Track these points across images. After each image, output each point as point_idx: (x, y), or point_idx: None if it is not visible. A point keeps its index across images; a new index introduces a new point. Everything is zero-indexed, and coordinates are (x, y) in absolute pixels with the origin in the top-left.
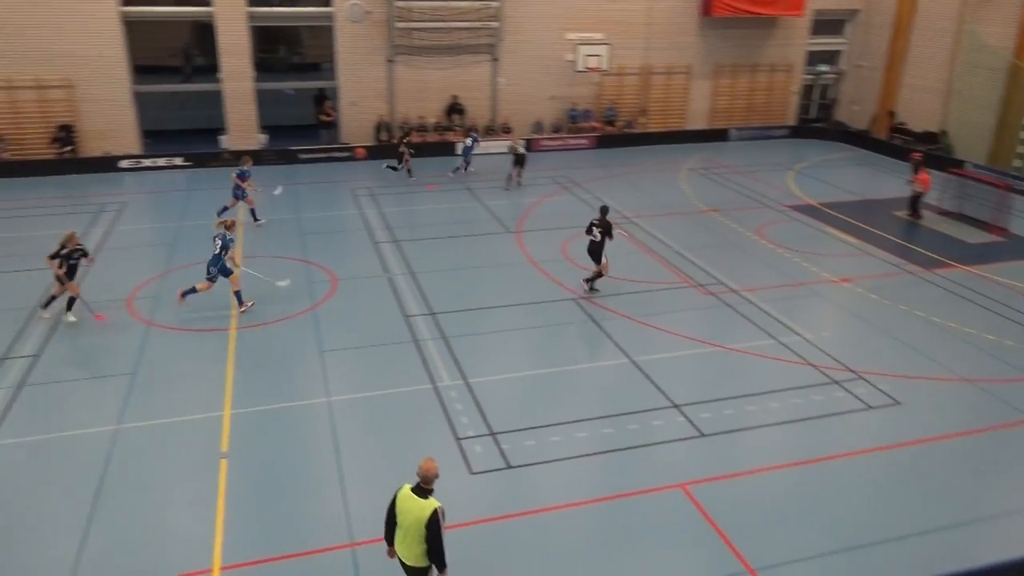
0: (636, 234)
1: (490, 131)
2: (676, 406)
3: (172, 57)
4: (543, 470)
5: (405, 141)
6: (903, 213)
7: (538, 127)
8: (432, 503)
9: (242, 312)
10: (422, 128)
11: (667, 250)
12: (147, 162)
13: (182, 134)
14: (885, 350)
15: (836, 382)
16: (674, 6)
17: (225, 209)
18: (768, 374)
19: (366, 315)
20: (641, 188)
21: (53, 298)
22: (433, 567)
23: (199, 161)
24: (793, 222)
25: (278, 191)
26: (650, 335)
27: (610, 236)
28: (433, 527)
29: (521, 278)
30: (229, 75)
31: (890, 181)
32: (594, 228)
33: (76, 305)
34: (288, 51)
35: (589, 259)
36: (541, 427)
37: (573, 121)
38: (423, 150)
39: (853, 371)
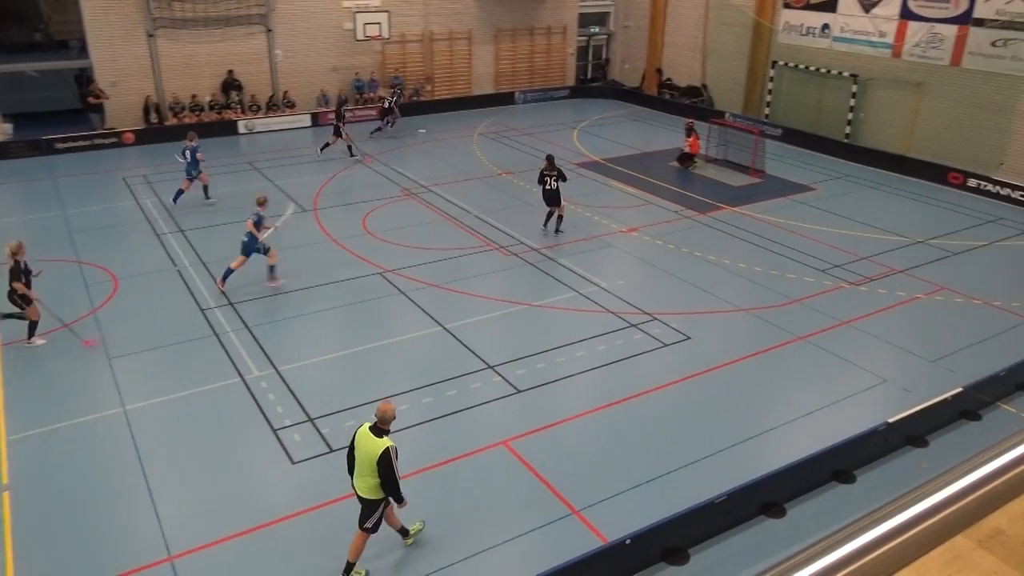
0: (435, 202)
1: (273, 106)
2: (491, 367)
3: None
4: None
5: (341, 112)
6: (676, 163)
7: (324, 100)
8: (385, 442)
9: (275, 286)
10: (196, 107)
11: (467, 216)
12: None
13: None
14: (673, 291)
15: (633, 325)
16: None
17: (180, 193)
18: (573, 325)
19: (157, 313)
20: (435, 156)
21: (34, 323)
22: (386, 500)
23: None
24: (581, 179)
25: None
26: (459, 301)
27: (564, 179)
28: (384, 463)
29: (323, 257)
30: None
31: (663, 134)
32: (547, 178)
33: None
34: (27, 28)
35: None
36: (361, 405)
37: (360, 92)
38: (198, 132)
39: (648, 313)
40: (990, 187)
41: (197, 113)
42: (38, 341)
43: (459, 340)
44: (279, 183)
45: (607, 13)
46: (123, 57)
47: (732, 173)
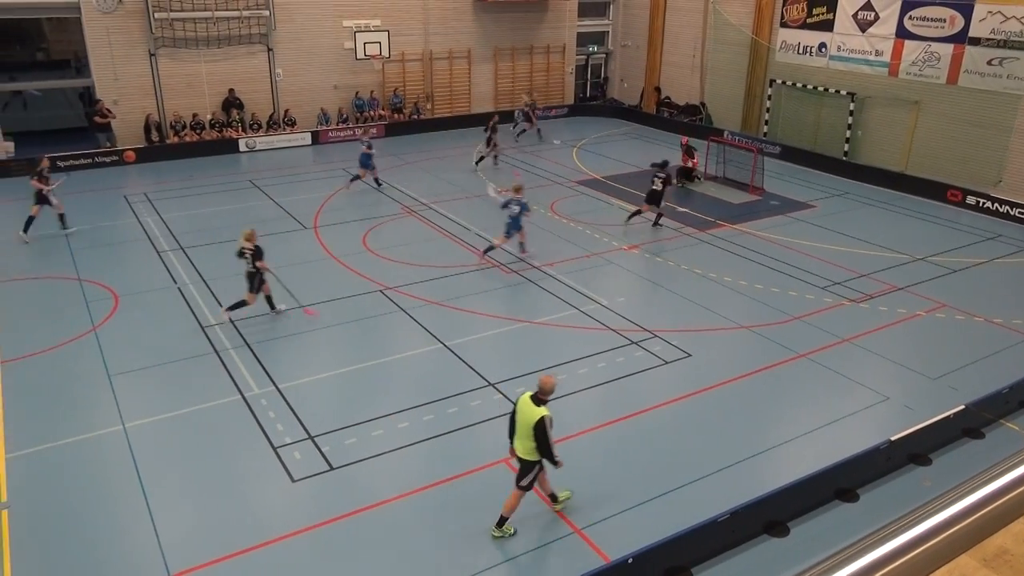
0: (435, 219)
1: (273, 125)
2: (492, 384)
3: None
4: (368, 466)
5: (492, 125)
6: (676, 182)
7: (324, 118)
8: (541, 411)
9: (526, 256)
10: (197, 125)
11: (467, 233)
12: None
13: None
14: (674, 308)
15: (634, 342)
16: None
17: (356, 178)
18: (574, 343)
19: (157, 330)
20: (435, 173)
21: (269, 299)
22: (540, 464)
23: None
24: (581, 196)
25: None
26: (459, 318)
27: (670, 184)
28: (539, 430)
29: (324, 274)
30: None
31: (662, 152)
32: (656, 179)
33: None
34: (30, 47)
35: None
36: (361, 423)
37: (360, 110)
38: (199, 150)
39: (648, 330)
40: (989, 204)
41: (198, 131)
42: (281, 307)
43: (460, 357)
44: (279, 201)
45: (605, 32)
46: (124, 76)
47: (731, 191)
